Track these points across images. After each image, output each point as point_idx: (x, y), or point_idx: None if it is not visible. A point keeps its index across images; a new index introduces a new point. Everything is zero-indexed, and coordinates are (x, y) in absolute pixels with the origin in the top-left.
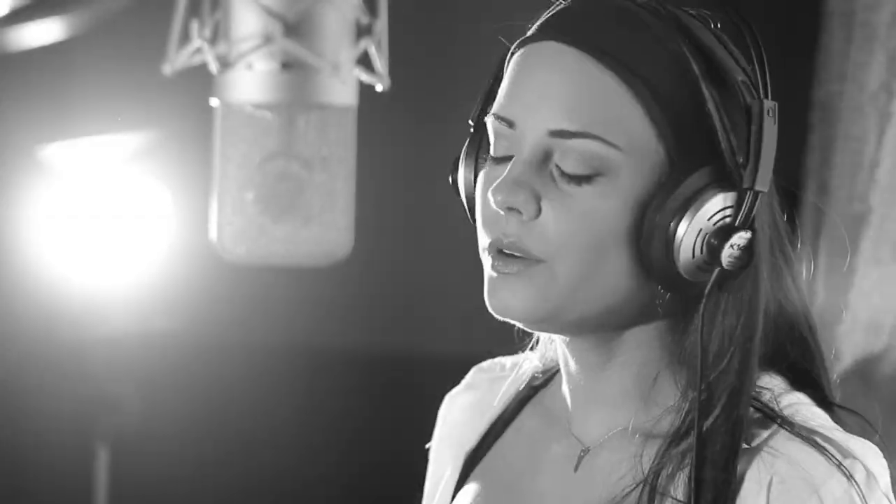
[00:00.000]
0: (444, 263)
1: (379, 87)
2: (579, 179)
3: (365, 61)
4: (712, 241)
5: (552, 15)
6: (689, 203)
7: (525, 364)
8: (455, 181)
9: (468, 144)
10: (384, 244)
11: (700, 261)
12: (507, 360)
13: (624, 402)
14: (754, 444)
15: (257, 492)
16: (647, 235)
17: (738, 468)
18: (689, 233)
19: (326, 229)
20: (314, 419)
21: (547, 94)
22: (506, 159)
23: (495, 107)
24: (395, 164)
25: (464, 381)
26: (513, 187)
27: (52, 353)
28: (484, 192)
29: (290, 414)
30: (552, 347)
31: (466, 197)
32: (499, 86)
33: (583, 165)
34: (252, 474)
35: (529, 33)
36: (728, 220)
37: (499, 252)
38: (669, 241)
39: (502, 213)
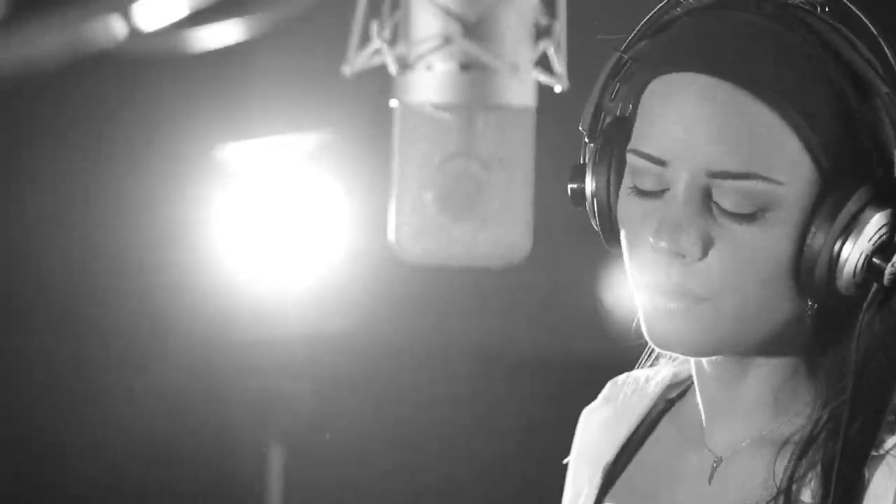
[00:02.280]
0: (622, 266)
1: (557, 88)
2: (742, 217)
3: (543, 62)
4: (875, 260)
5: (691, 43)
6: (851, 226)
7: (659, 377)
8: (577, 191)
9: (596, 161)
10: (561, 246)
11: (860, 278)
12: (641, 374)
13: (757, 412)
14: (882, 450)
15: (427, 492)
16: (810, 262)
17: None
18: (852, 254)
19: (505, 230)
20: (486, 422)
21: (701, 132)
22: (657, 194)
23: (640, 142)
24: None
25: (600, 396)
26: (676, 232)
27: (227, 353)
28: (636, 227)
29: (461, 417)
30: (686, 360)
31: (600, 214)
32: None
33: (746, 204)
34: (422, 475)
35: (665, 62)
36: (885, 237)
37: (660, 290)
38: (833, 264)
39: (664, 255)
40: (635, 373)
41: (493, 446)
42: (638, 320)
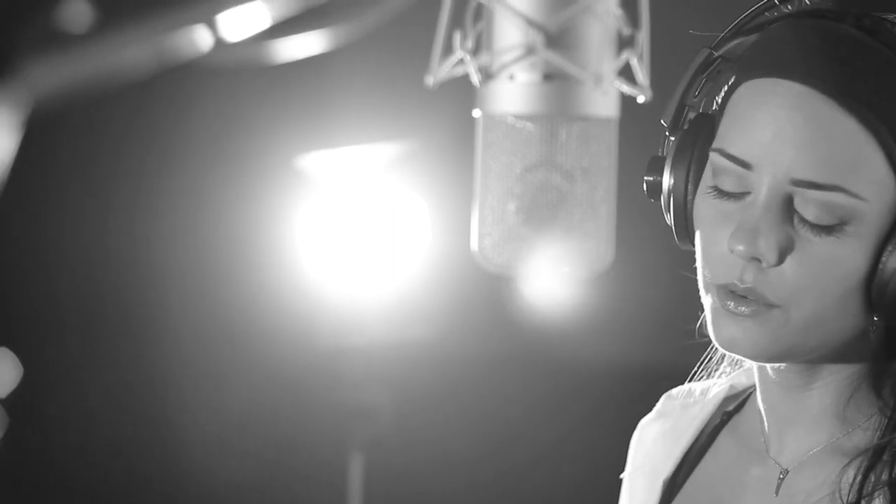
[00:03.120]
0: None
1: (640, 99)
2: (821, 229)
3: (625, 73)
4: None
5: (788, 50)
6: None
7: (715, 389)
8: (653, 184)
9: (676, 155)
10: (644, 256)
11: None
12: (696, 387)
13: (822, 422)
14: None
15: (506, 501)
16: (884, 280)
17: None
18: None
19: (587, 240)
20: (568, 432)
21: (790, 140)
22: (736, 196)
23: (726, 143)
24: None
25: (655, 409)
26: (755, 237)
27: (308, 362)
28: (712, 227)
29: (541, 427)
30: (742, 372)
31: (675, 209)
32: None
33: (827, 216)
34: (501, 484)
35: (760, 67)
36: None
37: (731, 292)
38: None
39: (740, 258)
40: (690, 385)
41: (569, 456)
42: (703, 320)
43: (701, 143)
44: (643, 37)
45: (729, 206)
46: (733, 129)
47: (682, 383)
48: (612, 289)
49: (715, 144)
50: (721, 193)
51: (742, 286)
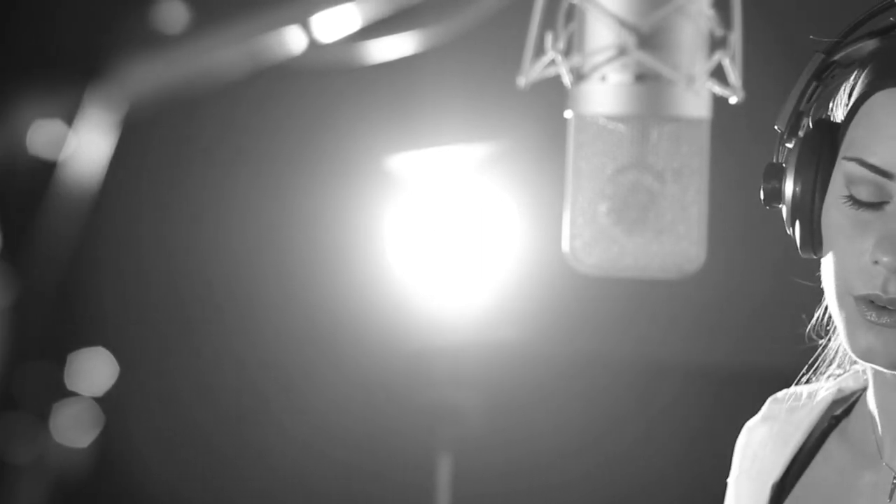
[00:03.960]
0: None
1: (733, 100)
2: None
3: (717, 73)
4: None
5: None
6: None
7: (822, 393)
8: (772, 191)
9: (800, 163)
10: (736, 258)
11: None
12: (802, 390)
13: None
14: None
15: (594, 502)
16: None
17: None
18: None
19: (678, 242)
20: (657, 434)
21: None
22: (874, 205)
23: (863, 152)
24: (747, 177)
25: (760, 413)
26: None
27: (396, 363)
28: (847, 237)
29: (631, 428)
30: (849, 376)
31: (801, 219)
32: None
33: None
34: (590, 486)
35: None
36: None
37: (871, 303)
38: None
39: (885, 269)
40: (796, 388)
41: (661, 458)
42: (814, 324)
43: (827, 151)
44: (735, 37)
45: (866, 215)
46: (871, 139)
47: (781, 387)
48: (704, 291)
49: (849, 153)
50: (857, 203)
51: (885, 297)
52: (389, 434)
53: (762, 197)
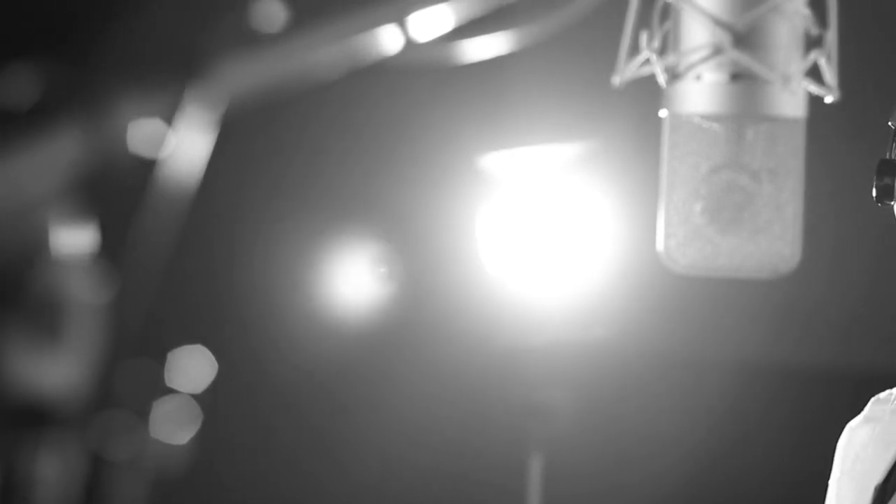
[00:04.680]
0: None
1: (828, 99)
2: None
3: (813, 72)
4: None
5: None
6: None
7: None
8: (885, 187)
9: None
10: (832, 258)
11: None
12: None
13: None
14: None
15: (686, 501)
16: None
17: None
18: None
19: (773, 242)
20: (747, 434)
21: None
22: None
23: None
24: (843, 177)
25: (863, 414)
26: None
27: (488, 361)
28: None
29: (723, 428)
30: None
31: None
32: None
33: None
34: (681, 485)
35: None
36: None
37: None
38: None
39: None
40: None
41: (752, 459)
42: None
43: None
44: (831, 36)
45: None
46: None
47: (881, 388)
48: (799, 291)
49: None
50: None
51: None
52: (481, 433)
53: (874, 194)
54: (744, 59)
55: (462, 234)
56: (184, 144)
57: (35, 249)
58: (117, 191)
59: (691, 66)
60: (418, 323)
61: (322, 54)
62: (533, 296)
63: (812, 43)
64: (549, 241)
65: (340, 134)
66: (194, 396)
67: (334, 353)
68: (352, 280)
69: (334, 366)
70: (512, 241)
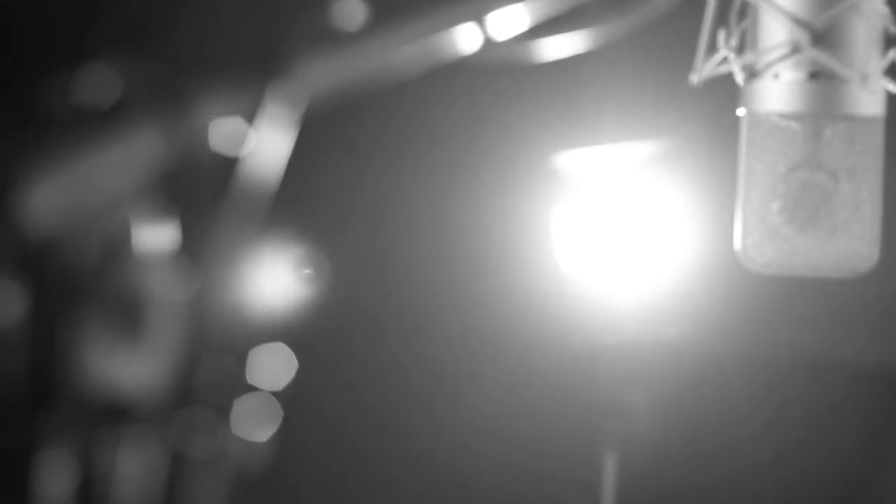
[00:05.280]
0: None
1: None
2: None
3: (891, 71)
4: None
5: None
6: None
7: None
8: None
9: None
10: None
11: None
12: None
13: None
14: None
15: (760, 502)
16: None
17: None
18: None
19: (851, 241)
20: (823, 436)
21: None
22: None
23: None
24: None
25: None
26: None
27: (563, 361)
28: None
29: (798, 429)
30: None
31: None
32: None
33: None
34: (757, 487)
35: None
36: None
37: None
38: None
39: None
40: None
41: (826, 460)
42: None
43: None
44: None
45: None
46: None
47: None
48: (877, 290)
49: None
50: None
51: None
52: (555, 432)
53: None
54: (822, 58)
55: (537, 233)
56: (264, 142)
57: (117, 247)
58: (198, 188)
59: (769, 65)
60: (493, 322)
61: (401, 53)
62: (608, 295)
63: (890, 41)
64: (624, 240)
65: (417, 132)
66: (275, 393)
67: (409, 353)
68: (424, 278)
69: (409, 365)
70: (587, 241)
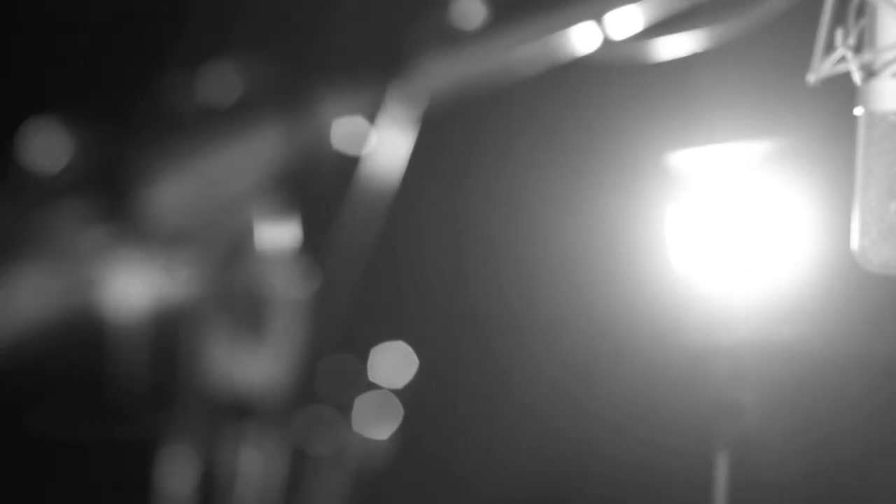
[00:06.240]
0: None
1: None
2: None
3: None
4: None
5: None
6: None
7: None
8: None
9: None
10: None
11: None
12: None
13: None
14: None
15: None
16: None
17: None
18: None
19: None
20: None
21: None
22: None
23: None
24: None
25: None
26: None
27: (677, 360)
28: None
29: None
30: None
31: None
32: None
33: None
34: (869, 487)
35: None
36: None
37: None
38: None
39: None
40: None
41: None
42: None
43: None
44: None
45: None
46: None
47: None
48: None
49: None
50: None
51: None
52: (668, 431)
53: None
54: None
55: (651, 233)
56: (385, 142)
57: (239, 245)
58: (320, 187)
59: (887, 64)
60: (607, 321)
61: (520, 52)
62: (721, 294)
63: None
64: (738, 239)
65: (535, 132)
66: (395, 392)
67: (522, 351)
68: (539, 276)
69: (526, 364)
70: (701, 240)
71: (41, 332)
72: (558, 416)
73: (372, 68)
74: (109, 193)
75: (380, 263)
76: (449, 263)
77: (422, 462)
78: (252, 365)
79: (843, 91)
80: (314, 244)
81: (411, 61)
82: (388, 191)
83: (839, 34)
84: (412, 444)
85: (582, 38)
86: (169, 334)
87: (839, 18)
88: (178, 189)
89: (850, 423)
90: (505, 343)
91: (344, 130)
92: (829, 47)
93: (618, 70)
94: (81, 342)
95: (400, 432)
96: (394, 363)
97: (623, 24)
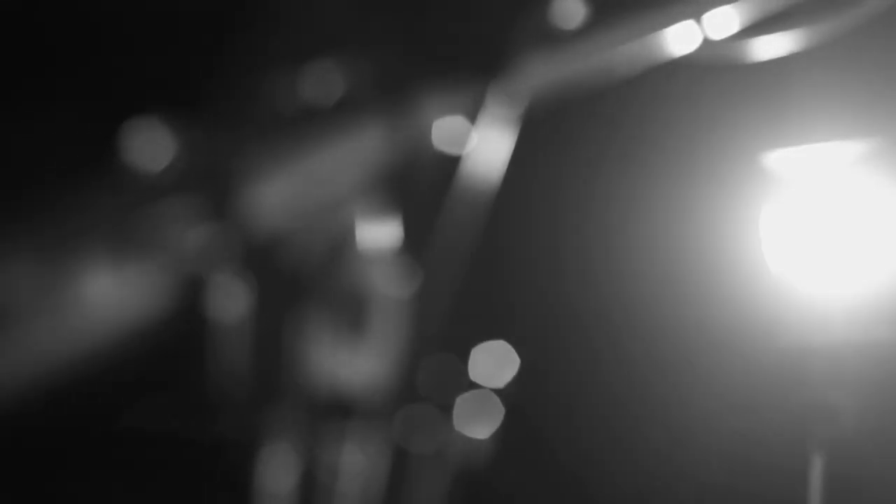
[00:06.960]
0: None
1: None
2: None
3: None
4: None
5: None
6: None
7: None
8: None
9: None
10: None
11: None
12: None
13: None
14: None
15: None
16: None
17: None
18: None
19: None
20: None
21: None
22: None
23: None
24: None
25: None
26: None
27: (772, 361)
28: None
29: None
30: None
31: None
32: None
33: None
34: None
35: None
36: None
37: None
38: None
39: None
40: None
41: None
42: None
43: None
44: None
45: None
46: None
47: None
48: None
49: None
50: None
51: None
52: (762, 433)
53: None
54: None
55: (747, 233)
56: (486, 141)
57: (341, 245)
58: (421, 187)
59: None
60: (702, 322)
61: (619, 52)
62: (818, 295)
63: None
64: (834, 239)
65: (632, 132)
66: (497, 391)
67: (618, 352)
68: (636, 277)
69: (622, 366)
70: (797, 240)
71: (145, 330)
72: (653, 418)
73: (473, 68)
74: (214, 192)
75: (480, 263)
76: (548, 263)
77: (521, 462)
78: (354, 364)
79: None
80: (415, 243)
81: (512, 61)
82: (489, 190)
83: None
84: (512, 444)
85: (681, 38)
86: (271, 333)
87: None
88: (281, 188)
89: None
90: (602, 345)
91: (445, 130)
92: None
93: (717, 70)
94: (185, 340)
95: (500, 432)
96: (495, 363)
97: (722, 23)
